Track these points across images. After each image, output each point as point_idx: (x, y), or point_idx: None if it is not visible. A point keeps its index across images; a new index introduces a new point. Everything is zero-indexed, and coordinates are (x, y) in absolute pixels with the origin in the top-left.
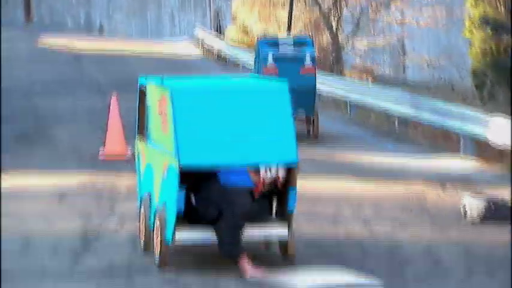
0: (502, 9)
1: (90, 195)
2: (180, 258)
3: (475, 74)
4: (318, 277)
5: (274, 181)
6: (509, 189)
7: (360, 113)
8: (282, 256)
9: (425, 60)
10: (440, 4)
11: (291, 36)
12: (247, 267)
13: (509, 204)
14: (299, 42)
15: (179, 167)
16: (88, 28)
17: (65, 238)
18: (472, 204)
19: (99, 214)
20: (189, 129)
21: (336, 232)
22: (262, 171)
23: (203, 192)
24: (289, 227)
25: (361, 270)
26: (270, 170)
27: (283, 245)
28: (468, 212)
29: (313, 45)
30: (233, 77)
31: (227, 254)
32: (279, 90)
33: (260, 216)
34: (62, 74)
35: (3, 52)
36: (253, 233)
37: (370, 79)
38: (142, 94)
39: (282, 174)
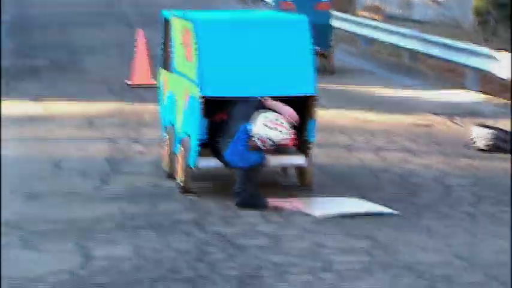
0: None
1: (118, 122)
2: (201, 183)
3: (477, 12)
4: (336, 206)
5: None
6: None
7: (371, 48)
8: (299, 184)
9: None
10: None
11: None
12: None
13: None
14: None
15: (202, 97)
16: None
17: (93, 161)
18: (480, 134)
19: (126, 139)
20: (212, 60)
21: (350, 161)
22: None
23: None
24: (308, 155)
25: (377, 198)
26: (264, 142)
27: (301, 173)
28: (476, 142)
29: None
30: (254, 12)
31: (247, 203)
32: (299, 24)
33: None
34: (94, 6)
35: None
36: (272, 160)
37: (380, 17)
38: (167, 27)
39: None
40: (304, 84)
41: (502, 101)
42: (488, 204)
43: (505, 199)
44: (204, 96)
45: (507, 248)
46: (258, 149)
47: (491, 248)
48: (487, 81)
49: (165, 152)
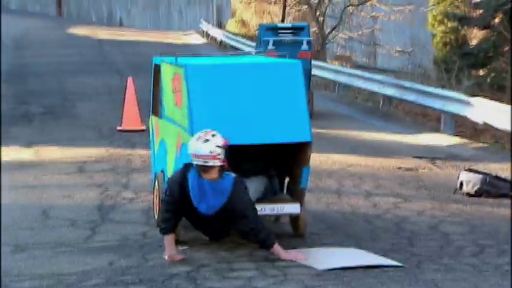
0: (462, 6)
1: (108, 167)
2: (192, 234)
3: (441, 61)
4: (338, 258)
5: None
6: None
7: (347, 94)
8: (294, 232)
9: (395, 50)
10: (406, 3)
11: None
12: (281, 250)
13: (504, 180)
14: (297, 28)
15: None
16: (109, 21)
17: (83, 209)
18: (468, 179)
19: (115, 185)
20: (203, 106)
21: (342, 206)
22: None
23: None
24: (301, 203)
25: (375, 248)
26: (215, 157)
27: (295, 221)
28: (464, 186)
29: (309, 31)
30: (245, 56)
31: (265, 243)
32: (292, 67)
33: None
34: (86, 57)
35: (39, 38)
36: (266, 209)
37: (348, 65)
38: (157, 73)
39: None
40: (299, 131)
41: (478, 144)
42: (492, 255)
43: (507, 249)
44: None
45: None
46: (220, 169)
47: None
48: (460, 125)
49: (155, 199)
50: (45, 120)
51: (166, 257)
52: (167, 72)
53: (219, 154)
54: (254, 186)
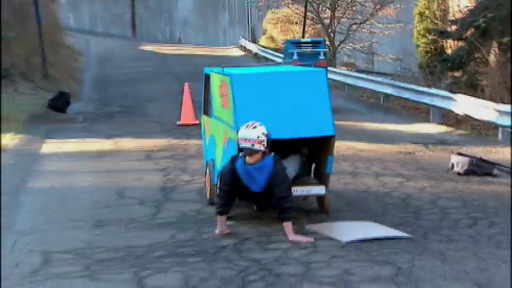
0: (439, 23)
1: (169, 154)
2: (236, 210)
3: (425, 65)
4: (358, 231)
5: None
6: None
7: (354, 92)
8: (320, 209)
9: (389, 57)
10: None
11: (309, 38)
12: (291, 229)
13: (487, 161)
14: (315, 42)
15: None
16: (171, 39)
17: (149, 189)
18: (458, 161)
19: (175, 169)
20: (246, 108)
21: (357, 185)
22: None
23: None
24: (326, 185)
25: (387, 221)
26: (260, 142)
27: (321, 200)
28: (455, 167)
29: (325, 44)
30: (279, 66)
31: (289, 217)
32: (318, 74)
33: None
34: (153, 67)
35: (118, 54)
36: (297, 190)
37: (353, 70)
38: (207, 81)
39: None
40: (325, 126)
41: (460, 131)
42: (483, 226)
43: (497, 221)
44: None
45: None
46: (262, 154)
47: (503, 274)
48: (445, 116)
49: (207, 183)
50: (122, 117)
51: (217, 231)
52: (215, 80)
53: (263, 141)
54: (292, 165)
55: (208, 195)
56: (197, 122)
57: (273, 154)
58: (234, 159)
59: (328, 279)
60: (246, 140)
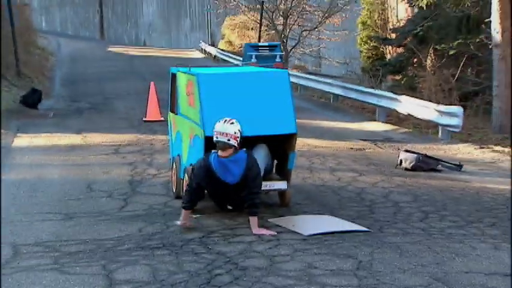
0: (380, 31)
1: (136, 149)
2: (202, 204)
3: (368, 69)
4: (319, 224)
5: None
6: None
7: (306, 93)
8: (281, 203)
9: (335, 61)
10: (342, 30)
11: (266, 42)
12: (256, 224)
13: (432, 158)
14: (272, 45)
15: (204, 136)
16: (136, 42)
17: (118, 183)
18: (406, 157)
19: (142, 163)
20: (212, 106)
21: (314, 180)
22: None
23: None
24: (288, 181)
25: (344, 215)
26: (236, 137)
27: (282, 195)
28: (403, 163)
29: (281, 48)
30: (244, 67)
31: (257, 212)
32: (281, 75)
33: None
34: (120, 67)
35: (87, 54)
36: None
37: (303, 72)
38: (174, 80)
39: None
40: (287, 125)
41: (404, 129)
42: (435, 219)
43: (445, 214)
44: (207, 136)
45: (472, 267)
46: (234, 149)
47: (458, 268)
48: (389, 116)
49: (173, 177)
50: (90, 113)
51: (179, 223)
52: (182, 79)
53: (238, 137)
54: (262, 153)
55: (174, 189)
56: (162, 118)
57: (245, 149)
58: (206, 156)
59: (293, 272)
60: (222, 134)
